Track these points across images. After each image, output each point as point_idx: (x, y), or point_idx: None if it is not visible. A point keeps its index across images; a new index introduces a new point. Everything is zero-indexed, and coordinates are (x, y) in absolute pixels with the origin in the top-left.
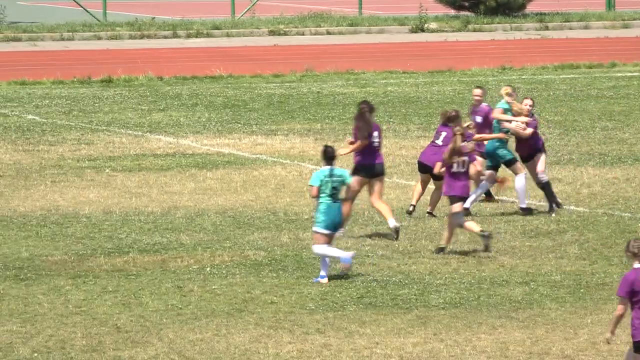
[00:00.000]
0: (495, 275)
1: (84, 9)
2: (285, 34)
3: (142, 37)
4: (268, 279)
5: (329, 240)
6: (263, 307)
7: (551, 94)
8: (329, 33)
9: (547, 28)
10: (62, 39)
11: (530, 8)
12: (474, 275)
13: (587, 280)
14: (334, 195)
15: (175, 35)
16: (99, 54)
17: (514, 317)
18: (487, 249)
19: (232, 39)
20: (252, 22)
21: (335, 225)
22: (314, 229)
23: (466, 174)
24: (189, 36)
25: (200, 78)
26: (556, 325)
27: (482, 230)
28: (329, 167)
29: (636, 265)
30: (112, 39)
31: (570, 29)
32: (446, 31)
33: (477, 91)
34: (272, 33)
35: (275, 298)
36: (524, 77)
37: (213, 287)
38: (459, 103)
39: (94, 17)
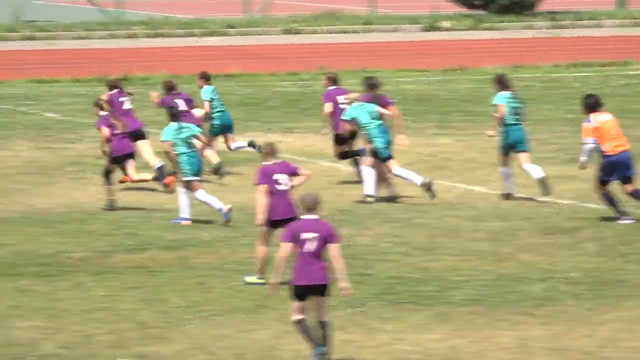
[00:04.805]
0: (514, 272)
1: (100, 8)
2: (299, 32)
3: (157, 35)
4: (288, 276)
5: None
6: (284, 303)
7: (564, 92)
8: (342, 32)
9: (559, 27)
10: (79, 38)
11: (541, 7)
12: (493, 272)
13: (606, 277)
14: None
15: (190, 34)
16: (115, 52)
17: (534, 313)
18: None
19: (247, 37)
20: (267, 20)
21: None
22: (185, 178)
23: None
24: (203, 34)
25: (215, 76)
26: (576, 322)
27: None
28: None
29: (306, 217)
30: (128, 37)
31: (582, 27)
32: (458, 29)
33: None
34: (286, 32)
35: None
36: (537, 75)
37: (234, 283)
38: (473, 101)
39: (110, 15)
